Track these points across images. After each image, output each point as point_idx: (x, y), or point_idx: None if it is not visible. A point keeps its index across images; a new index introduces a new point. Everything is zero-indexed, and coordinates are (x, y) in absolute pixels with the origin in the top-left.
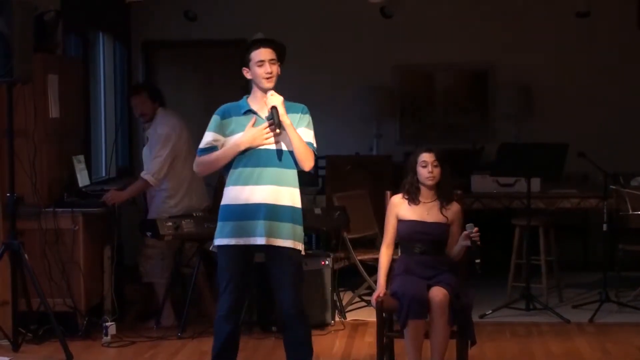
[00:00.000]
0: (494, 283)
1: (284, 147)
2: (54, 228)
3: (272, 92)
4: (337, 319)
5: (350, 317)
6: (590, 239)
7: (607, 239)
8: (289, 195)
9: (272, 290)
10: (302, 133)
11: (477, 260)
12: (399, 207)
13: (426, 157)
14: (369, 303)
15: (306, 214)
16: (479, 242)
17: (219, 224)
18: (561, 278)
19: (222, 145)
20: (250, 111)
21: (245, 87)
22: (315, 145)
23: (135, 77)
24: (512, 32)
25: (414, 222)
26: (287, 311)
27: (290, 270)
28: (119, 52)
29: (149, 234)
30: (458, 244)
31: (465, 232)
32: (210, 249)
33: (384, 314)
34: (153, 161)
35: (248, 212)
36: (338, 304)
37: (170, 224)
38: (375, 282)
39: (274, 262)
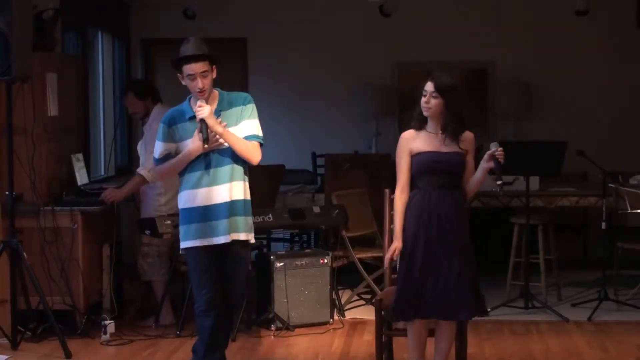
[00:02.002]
0: (493, 281)
1: (226, 145)
2: (53, 226)
3: (201, 102)
4: (336, 317)
5: (349, 315)
6: (589, 238)
7: (606, 237)
8: (242, 190)
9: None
10: (244, 127)
11: (499, 182)
12: (412, 141)
13: (426, 85)
14: (368, 301)
15: (305, 213)
16: (502, 161)
17: (183, 227)
18: (560, 276)
19: (176, 150)
20: (194, 117)
21: (243, 85)
22: (259, 134)
23: (134, 75)
24: (511, 30)
25: (430, 152)
26: (232, 303)
27: (241, 263)
28: (118, 50)
29: (147, 232)
30: (479, 168)
31: (488, 152)
32: (180, 252)
33: (382, 313)
34: (148, 157)
35: (210, 213)
36: (337, 302)
37: (169, 222)
38: (376, 280)
39: (228, 255)
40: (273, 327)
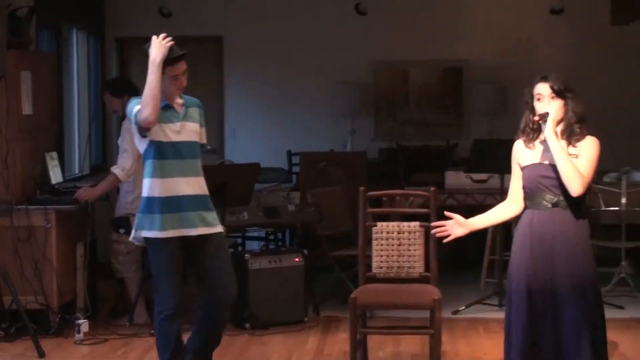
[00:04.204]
0: (468, 279)
1: (194, 139)
2: (27, 225)
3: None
4: (310, 315)
5: (323, 313)
6: None
7: None
8: (204, 185)
9: (205, 279)
10: (204, 134)
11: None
12: (518, 153)
13: (541, 88)
14: (343, 299)
15: (280, 211)
16: (537, 118)
17: (148, 215)
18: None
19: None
20: (167, 106)
21: (219, 84)
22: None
23: (109, 73)
24: (486, 28)
25: (536, 165)
26: (231, 297)
27: (226, 254)
28: (93, 48)
29: (122, 230)
30: (548, 144)
31: (541, 123)
32: (131, 239)
33: (357, 310)
34: (121, 156)
35: (179, 204)
36: (312, 300)
37: None
38: (350, 277)
39: (207, 250)
40: (248, 326)
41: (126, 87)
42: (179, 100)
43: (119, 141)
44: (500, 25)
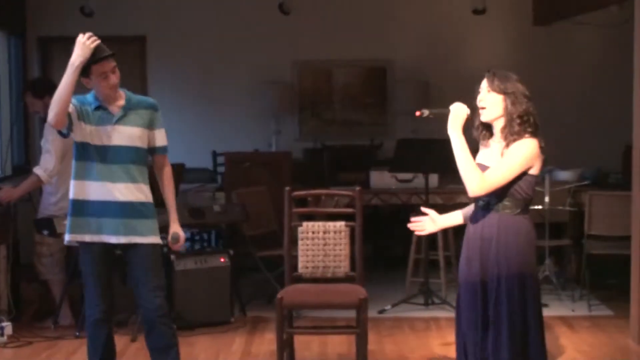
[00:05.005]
0: (393, 278)
1: (135, 144)
2: None
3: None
4: (237, 315)
5: (250, 313)
6: None
7: None
8: (142, 192)
9: (132, 288)
10: (160, 136)
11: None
12: (479, 152)
13: (483, 82)
14: (269, 299)
15: (205, 211)
16: (418, 113)
17: (72, 218)
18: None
19: (74, 112)
20: (100, 107)
21: (143, 83)
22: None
23: (30, 73)
24: (410, 28)
25: (478, 165)
26: (154, 312)
27: (154, 266)
28: (14, 48)
29: (45, 232)
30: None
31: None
32: (65, 243)
33: (283, 311)
34: (44, 157)
35: (104, 210)
36: (238, 300)
37: (66, 222)
38: (276, 277)
39: (135, 261)
40: (174, 327)
41: (48, 87)
42: (119, 102)
43: (42, 142)
44: (424, 26)
